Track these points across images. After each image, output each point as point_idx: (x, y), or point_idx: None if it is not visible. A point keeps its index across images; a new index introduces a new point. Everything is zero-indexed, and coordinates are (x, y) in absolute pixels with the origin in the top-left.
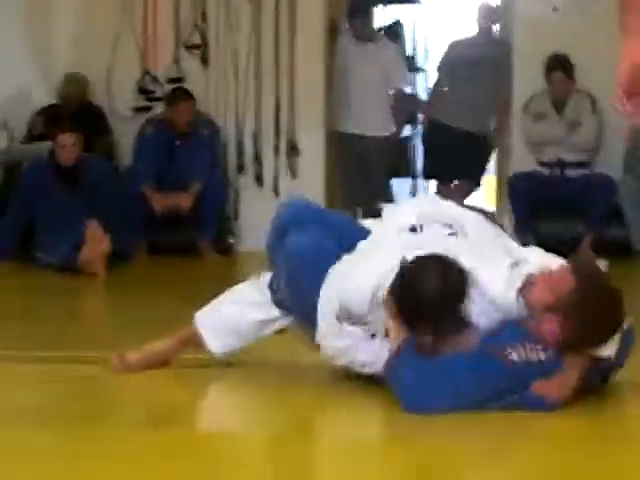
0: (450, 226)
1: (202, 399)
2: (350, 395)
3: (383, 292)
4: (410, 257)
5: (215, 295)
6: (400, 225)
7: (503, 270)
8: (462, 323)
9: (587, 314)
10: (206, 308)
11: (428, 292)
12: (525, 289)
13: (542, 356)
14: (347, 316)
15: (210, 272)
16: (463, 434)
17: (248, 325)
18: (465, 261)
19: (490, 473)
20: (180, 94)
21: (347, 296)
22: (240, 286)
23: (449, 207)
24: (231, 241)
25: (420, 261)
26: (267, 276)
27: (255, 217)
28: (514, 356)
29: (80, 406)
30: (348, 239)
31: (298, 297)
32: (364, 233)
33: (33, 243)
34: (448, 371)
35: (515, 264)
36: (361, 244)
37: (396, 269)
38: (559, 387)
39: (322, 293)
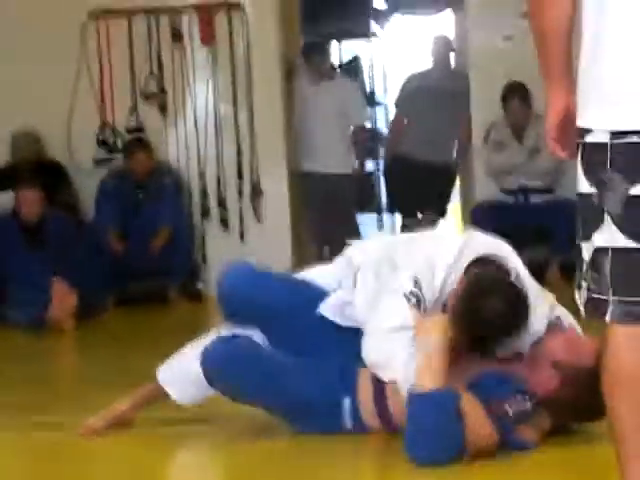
0: None
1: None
2: None
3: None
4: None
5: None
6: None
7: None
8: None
9: (584, 394)
10: (168, 362)
11: (492, 318)
12: (549, 332)
13: (528, 405)
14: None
15: (180, 319)
16: None
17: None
18: None
19: None
20: (136, 144)
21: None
22: (202, 340)
23: None
24: (200, 286)
25: (481, 278)
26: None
27: (222, 261)
28: (510, 411)
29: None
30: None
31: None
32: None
33: (2, 299)
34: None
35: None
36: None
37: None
38: (538, 431)
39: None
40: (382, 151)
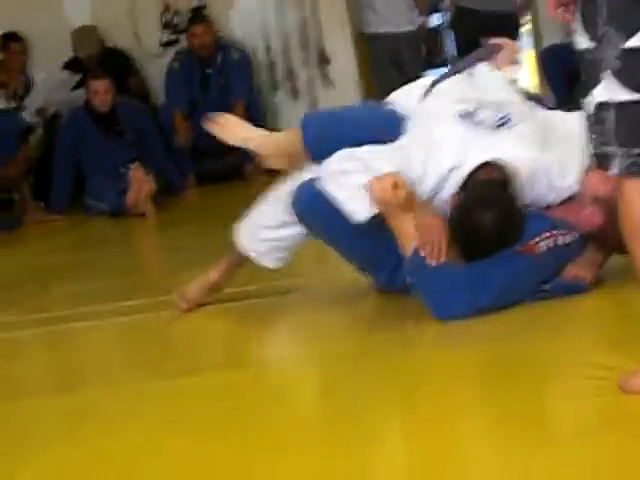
0: (498, 110)
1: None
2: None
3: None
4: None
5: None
6: (453, 108)
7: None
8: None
9: None
10: (246, 224)
11: (487, 235)
12: (589, 172)
13: (567, 239)
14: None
15: (258, 193)
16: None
17: (291, 239)
18: (525, 152)
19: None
20: (194, 18)
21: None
22: (267, 208)
23: (492, 90)
24: None
25: (481, 191)
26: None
27: None
28: (543, 247)
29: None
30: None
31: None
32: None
33: (83, 191)
34: (482, 276)
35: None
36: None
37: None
38: (590, 267)
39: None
40: (446, 3)
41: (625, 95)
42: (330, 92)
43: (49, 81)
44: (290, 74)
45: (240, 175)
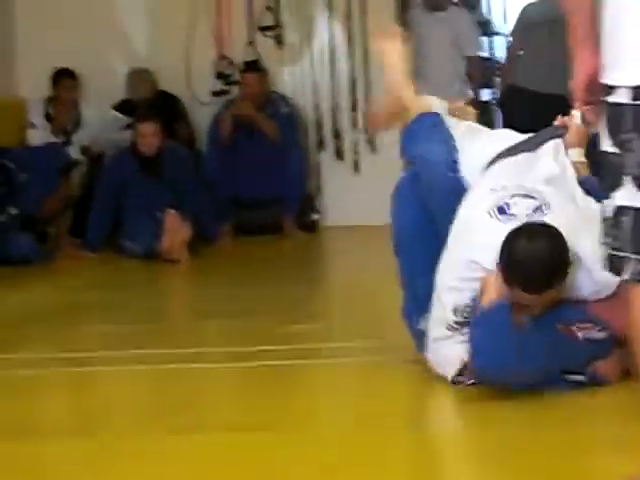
0: (533, 199)
1: None
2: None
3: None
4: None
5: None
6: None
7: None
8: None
9: None
10: None
11: (537, 260)
12: None
13: (601, 336)
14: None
15: (295, 249)
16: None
17: None
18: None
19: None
20: (249, 65)
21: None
22: None
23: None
24: (314, 217)
25: (527, 229)
26: None
27: (337, 192)
28: (580, 334)
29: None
30: None
31: None
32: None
33: (120, 231)
34: (524, 343)
35: None
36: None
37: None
38: (617, 366)
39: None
40: (498, 80)
41: None
42: (374, 157)
43: (99, 120)
44: (337, 135)
45: (278, 229)
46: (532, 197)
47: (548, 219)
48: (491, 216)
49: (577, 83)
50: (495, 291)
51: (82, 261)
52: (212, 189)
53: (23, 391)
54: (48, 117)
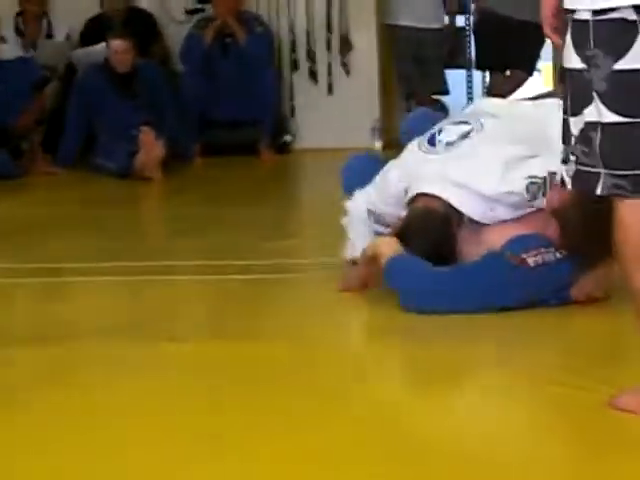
0: (466, 124)
1: None
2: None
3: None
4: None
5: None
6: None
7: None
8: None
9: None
10: None
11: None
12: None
13: (558, 255)
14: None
15: (269, 171)
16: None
17: None
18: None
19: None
20: None
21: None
22: None
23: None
24: (287, 139)
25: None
26: None
27: (311, 114)
28: (530, 261)
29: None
30: None
31: None
32: None
33: (93, 149)
34: (465, 282)
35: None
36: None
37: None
38: (597, 283)
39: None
40: (472, 6)
41: (612, 117)
42: (349, 78)
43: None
44: (311, 57)
45: (252, 150)
46: (466, 122)
47: (467, 143)
48: (419, 148)
49: (544, 13)
50: (389, 248)
51: (55, 177)
52: (186, 108)
53: None
54: (18, 31)
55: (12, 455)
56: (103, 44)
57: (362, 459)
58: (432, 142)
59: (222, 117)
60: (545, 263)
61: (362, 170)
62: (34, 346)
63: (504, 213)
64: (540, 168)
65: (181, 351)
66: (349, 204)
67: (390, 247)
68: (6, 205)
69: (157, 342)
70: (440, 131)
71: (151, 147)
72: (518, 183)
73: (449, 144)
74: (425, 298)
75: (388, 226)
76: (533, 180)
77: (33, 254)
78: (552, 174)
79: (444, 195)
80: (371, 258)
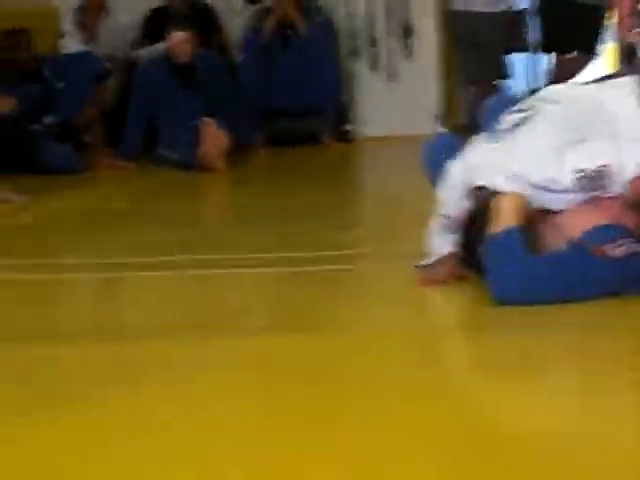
0: (524, 111)
1: None
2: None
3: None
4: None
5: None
6: None
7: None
8: None
9: None
10: None
11: None
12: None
13: (638, 245)
14: None
15: (331, 159)
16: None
17: None
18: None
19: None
20: None
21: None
22: None
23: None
24: (349, 128)
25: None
26: None
27: (372, 102)
28: (613, 253)
29: None
30: None
31: None
32: None
33: (155, 140)
34: (553, 269)
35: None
36: None
37: None
38: None
39: None
40: None
41: None
42: (410, 65)
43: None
44: (372, 43)
45: (314, 140)
46: (524, 110)
47: (524, 130)
48: (483, 136)
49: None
50: (509, 215)
51: (118, 170)
52: (247, 99)
53: (53, 296)
54: (80, 25)
55: (85, 458)
56: (163, 44)
57: (451, 457)
58: (493, 130)
59: (284, 107)
60: (628, 254)
61: (446, 147)
62: (103, 343)
63: (566, 198)
64: (590, 157)
65: (254, 346)
66: (451, 168)
67: (513, 202)
68: (68, 199)
69: (229, 337)
70: (503, 119)
71: (214, 138)
72: (567, 177)
73: (507, 131)
74: (524, 284)
75: None
76: (582, 174)
77: (94, 250)
78: (604, 166)
79: (506, 189)
80: (493, 212)
